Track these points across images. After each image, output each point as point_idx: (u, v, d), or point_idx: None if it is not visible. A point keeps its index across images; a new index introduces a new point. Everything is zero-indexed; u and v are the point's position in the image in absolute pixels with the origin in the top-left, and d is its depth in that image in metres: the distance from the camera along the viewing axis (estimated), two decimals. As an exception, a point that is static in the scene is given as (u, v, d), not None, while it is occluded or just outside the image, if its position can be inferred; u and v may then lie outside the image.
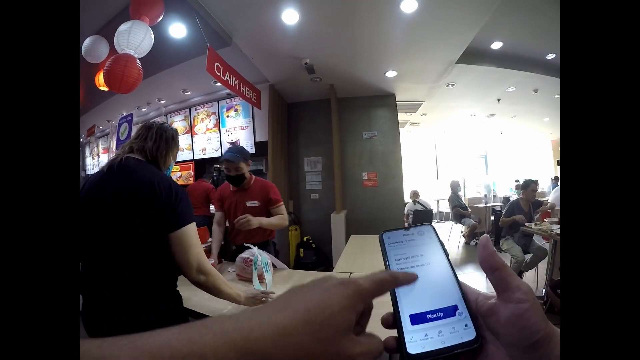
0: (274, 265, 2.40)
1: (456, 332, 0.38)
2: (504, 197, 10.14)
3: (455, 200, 8.05)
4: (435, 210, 10.79)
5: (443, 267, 0.45)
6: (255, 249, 2.26)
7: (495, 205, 9.13)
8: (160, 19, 3.62)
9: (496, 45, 5.16)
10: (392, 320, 0.41)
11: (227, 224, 2.91)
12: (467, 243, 7.72)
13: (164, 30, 4.07)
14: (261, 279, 2.12)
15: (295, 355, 0.31)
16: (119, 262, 1.48)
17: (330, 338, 0.33)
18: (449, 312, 0.40)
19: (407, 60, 5.17)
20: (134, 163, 1.58)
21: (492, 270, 0.39)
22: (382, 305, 0.42)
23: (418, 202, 7.67)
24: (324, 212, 6.55)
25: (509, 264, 4.17)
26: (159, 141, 1.68)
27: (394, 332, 0.40)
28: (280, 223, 2.76)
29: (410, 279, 0.41)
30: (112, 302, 1.48)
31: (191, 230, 1.54)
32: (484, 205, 8.88)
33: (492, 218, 7.44)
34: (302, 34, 4.19)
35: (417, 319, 0.40)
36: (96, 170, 1.59)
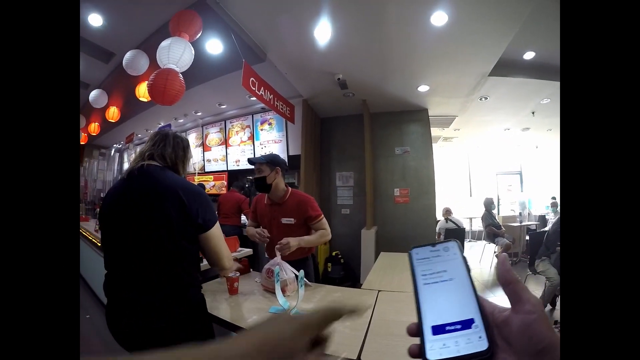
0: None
1: (471, 343, 0.43)
2: (539, 216, 9.76)
3: (488, 218, 7.83)
4: (467, 228, 10.56)
5: (464, 282, 0.49)
6: (278, 258, 2.23)
7: (530, 224, 8.84)
8: (199, 35, 3.74)
9: (528, 55, 5.02)
10: (416, 330, 0.46)
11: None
12: (500, 263, 7.40)
13: (202, 46, 4.21)
14: (285, 291, 2.12)
15: None
16: (139, 265, 1.54)
17: (282, 359, 0.39)
18: (466, 324, 0.45)
19: (439, 74, 5.13)
20: (156, 169, 1.63)
21: (507, 284, 0.44)
22: (410, 315, 0.48)
23: (450, 220, 7.52)
24: (354, 228, 6.48)
25: (543, 287, 4.03)
26: (177, 149, 1.75)
27: (417, 340, 0.46)
28: (320, 240, 2.63)
29: (355, 310, 0.49)
30: (130, 305, 1.54)
31: (217, 227, 1.70)
32: (518, 224, 8.61)
33: (527, 238, 7.19)
34: (334, 50, 4.24)
35: (437, 330, 0.45)
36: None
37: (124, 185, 1.63)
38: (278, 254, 2.27)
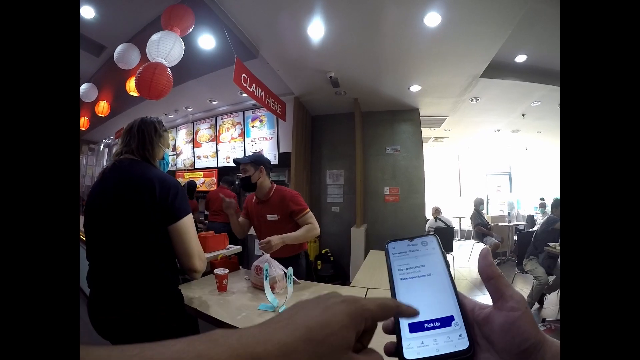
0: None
1: (450, 341, 0.41)
2: (527, 216, 9.87)
3: (477, 218, 7.89)
4: (456, 228, 10.63)
5: (443, 278, 0.47)
6: (267, 256, 2.23)
7: (518, 224, 8.93)
8: (191, 30, 3.71)
9: (520, 58, 5.07)
10: (392, 327, 0.44)
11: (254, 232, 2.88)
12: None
13: (194, 41, 4.17)
14: (274, 289, 2.11)
15: None
16: (114, 257, 1.56)
17: (329, 355, 0.35)
18: (446, 322, 0.43)
19: (431, 75, 5.15)
20: (127, 163, 1.65)
21: (489, 279, 0.42)
22: None
23: (439, 219, 7.55)
24: (344, 226, 6.53)
25: (531, 286, 4.08)
26: (140, 138, 1.72)
27: (394, 338, 0.43)
28: (306, 235, 2.57)
29: (412, 313, 0.43)
30: (108, 296, 1.56)
31: (189, 221, 1.62)
32: (507, 224, 8.69)
33: (516, 238, 7.27)
34: (327, 48, 4.24)
35: (415, 327, 0.43)
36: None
37: (98, 186, 1.66)
38: (266, 254, 2.27)
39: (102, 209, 1.60)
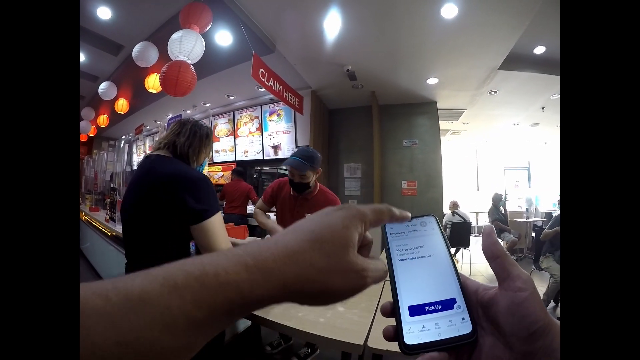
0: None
1: (453, 325, 0.39)
2: (546, 213, 9.67)
3: (495, 213, 7.77)
4: (474, 223, 10.50)
5: (443, 259, 0.45)
6: None
7: (536, 221, 8.76)
8: (209, 27, 3.75)
9: (539, 50, 4.97)
10: (391, 310, 0.41)
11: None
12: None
13: (211, 38, 4.23)
14: None
15: (306, 271, 0.34)
16: (137, 252, 1.62)
17: (336, 252, 0.36)
18: (447, 304, 0.40)
19: (448, 67, 5.11)
20: (159, 160, 1.60)
21: (494, 258, 0.40)
22: (384, 294, 0.42)
23: (457, 214, 7.45)
24: (361, 219, 6.50)
25: (547, 284, 4.01)
26: (192, 138, 1.68)
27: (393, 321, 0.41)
28: None
29: (404, 217, 0.45)
30: None
31: (217, 221, 1.52)
32: (524, 220, 8.54)
33: (533, 235, 7.16)
34: (344, 42, 4.25)
35: (415, 310, 0.40)
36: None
37: (131, 181, 1.68)
38: None
39: (124, 207, 1.65)
